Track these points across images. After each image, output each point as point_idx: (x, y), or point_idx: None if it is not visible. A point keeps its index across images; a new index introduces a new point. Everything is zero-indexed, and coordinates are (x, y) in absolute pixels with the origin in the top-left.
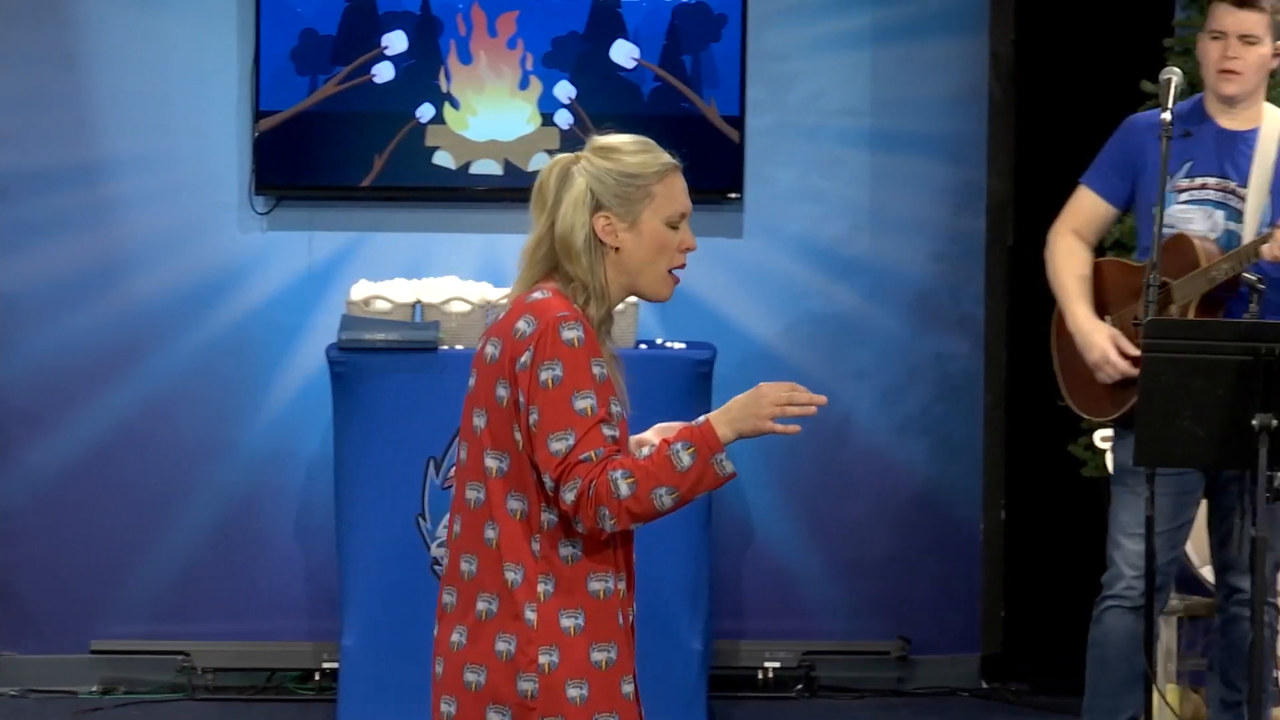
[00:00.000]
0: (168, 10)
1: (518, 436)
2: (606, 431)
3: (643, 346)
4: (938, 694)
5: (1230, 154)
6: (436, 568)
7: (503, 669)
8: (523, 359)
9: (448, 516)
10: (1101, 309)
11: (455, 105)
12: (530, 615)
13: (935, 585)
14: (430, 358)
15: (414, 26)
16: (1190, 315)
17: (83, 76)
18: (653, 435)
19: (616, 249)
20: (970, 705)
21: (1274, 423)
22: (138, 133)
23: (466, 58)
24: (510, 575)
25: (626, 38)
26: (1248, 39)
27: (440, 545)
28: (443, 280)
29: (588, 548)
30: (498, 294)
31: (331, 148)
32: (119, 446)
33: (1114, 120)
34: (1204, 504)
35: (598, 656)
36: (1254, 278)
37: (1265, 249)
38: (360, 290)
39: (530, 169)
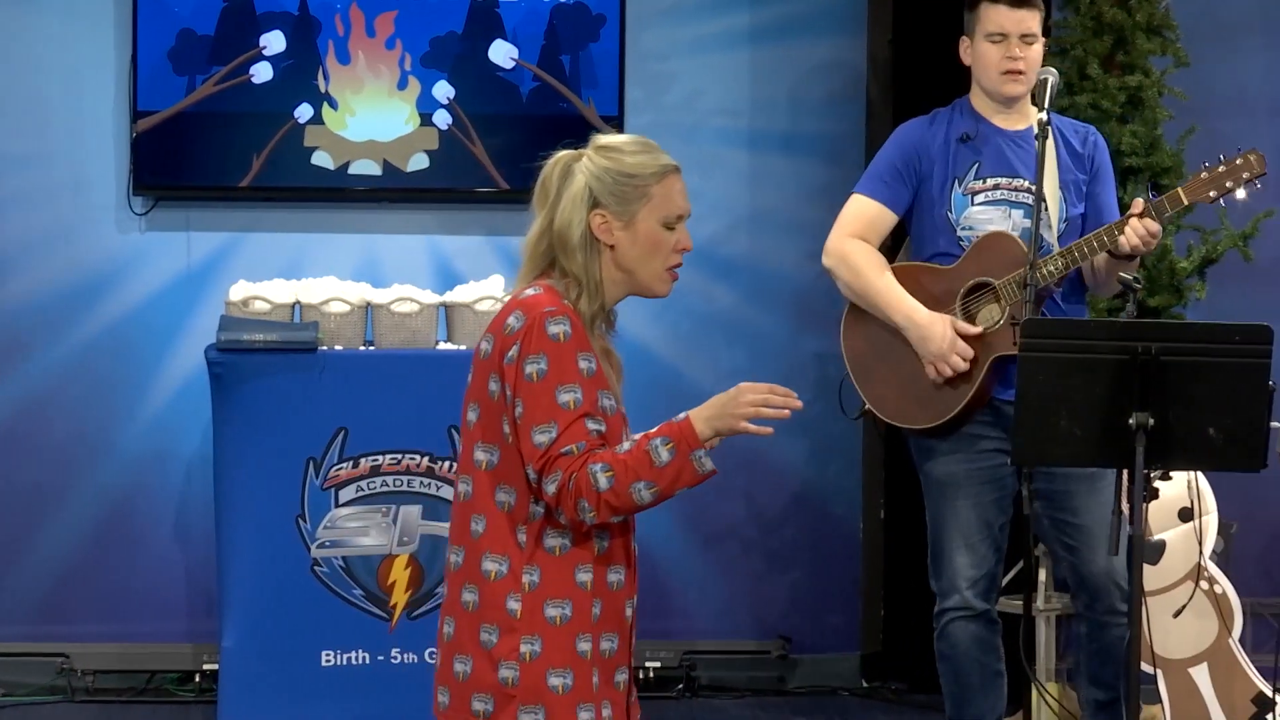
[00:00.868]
0: (44, 9)
1: (507, 430)
2: (590, 425)
3: None
4: (817, 693)
5: (1016, 153)
6: (317, 568)
7: (485, 658)
8: (510, 353)
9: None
10: None
11: (334, 105)
12: (514, 605)
13: (815, 585)
14: (309, 358)
15: (292, 27)
16: (1021, 315)
17: None
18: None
19: (612, 247)
20: (850, 704)
21: (1150, 421)
22: (14, 133)
23: (345, 58)
24: (493, 567)
25: (505, 38)
26: (1027, 38)
27: (321, 547)
28: (322, 281)
29: (577, 539)
30: (377, 294)
31: (210, 148)
32: None
33: None
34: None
35: (583, 646)
36: (1131, 277)
37: (1125, 233)
38: (239, 291)
39: (409, 169)
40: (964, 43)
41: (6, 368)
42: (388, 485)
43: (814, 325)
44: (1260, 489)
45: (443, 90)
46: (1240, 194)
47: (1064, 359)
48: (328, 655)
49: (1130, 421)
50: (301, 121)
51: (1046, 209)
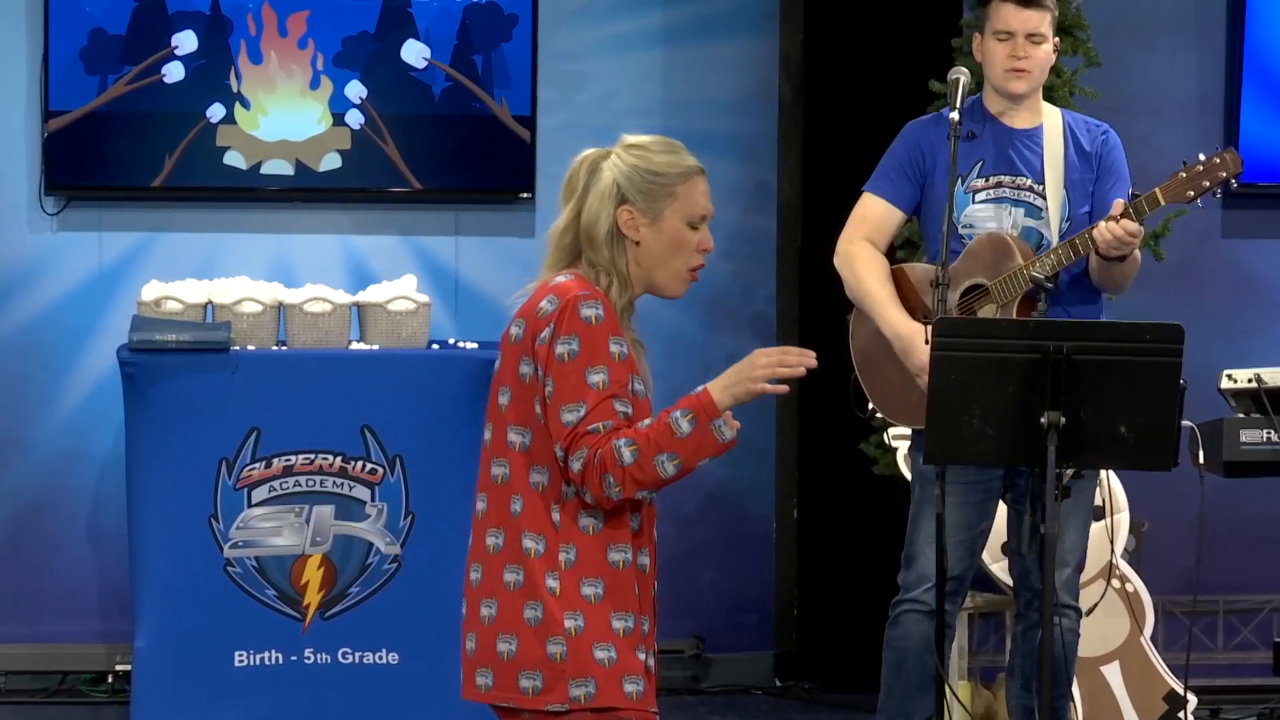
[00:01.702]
0: None
1: (539, 411)
2: (619, 406)
3: (435, 346)
4: (731, 692)
5: (1020, 152)
6: (230, 569)
7: (532, 635)
8: (543, 334)
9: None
10: (909, 314)
11: (246, 105)
12: (552, 583)
13: (729, 584)
14: (221, 358)
15: (204, 26)
16: (1014, 315)
17: None
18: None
19: (637, 242)
20: (763, 703)
21: (1062, 420)
22: None
23: (257, 58)
24: (532, 545)
25: (417, 38)
26: (1034, 37)
27: (234, 547)
28: (234, 280)
29: (608, 519)
30: (289, 294)
31: (122, 148)
32: None
33: (902, 119)
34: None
35: (618, 625)
36: (1042, 276)
37: (1098, 232)
38: (151, 291)
39: (321, 169)
40: (975, 39)
41: None
42: (300, 485)
43: (727, 324)
44: (1172, 487)
45: (355, 90)
46: (1216, 194)
47: (976, 358)
48: (241, 656)
49: (1042, 420)
50: (214, 121)
51: (1047, 207)
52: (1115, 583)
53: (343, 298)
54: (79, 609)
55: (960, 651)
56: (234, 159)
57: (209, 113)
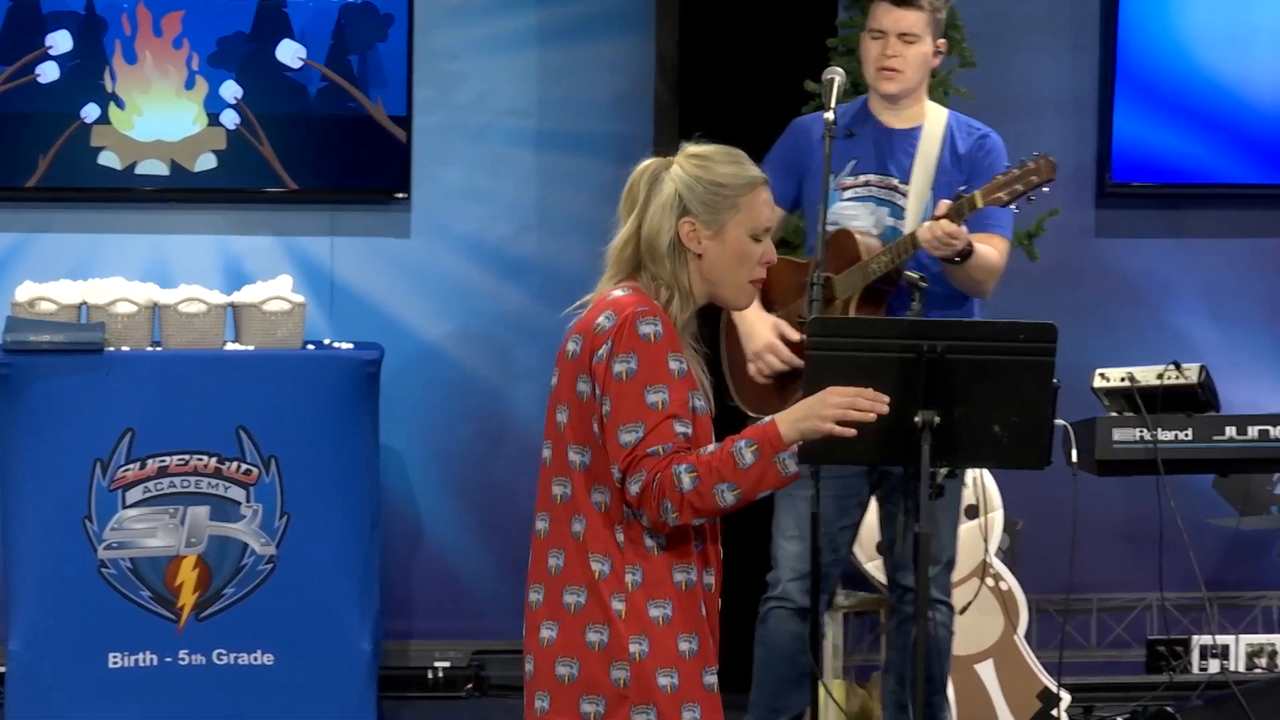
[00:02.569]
0: None
1: (597, 429)
2: (678, 428)
3: (310, 347)
4: None
5: (893, 152)
6: (104, 570)
7: (595, 659)
8: (600, 352)
9: (541, 514)
10: (768, 306)
11: (121, 105)
12: (618, 605)
13: None
14: (96, 359)
15: (78, 26)
16: (852, 311)
17: None
18: None
19: (699, 255)
20: None
21: (936, 419)
22: None
23: (132, 57)
24: (597, 566)
25: (293, 37)
26: (907, 37)
27: (108, 548)
28: (109, 281)
29: (671, 539)
30: (164, 295)
31: None
32: None
33: (779, 120)
34: (874, 504)
35: (684, 646)
36: (916, 275)
37: (920, 232)
38: (25, 292)
39: (196, 169)
40: (862, 39)
41: None
42: (175, 486)
43: None
44: (1045, 486)
45: (230, 90)
46: (1030, 198)
47: (850, 357)
48: (115, 657)
49: (916, 420)
50: (88, 121)
51: (907, 205)
52: (989, 581)
53: (218, 298)
54: None
55: (835, 650)
56: (109, 159)
57: (83, 113)
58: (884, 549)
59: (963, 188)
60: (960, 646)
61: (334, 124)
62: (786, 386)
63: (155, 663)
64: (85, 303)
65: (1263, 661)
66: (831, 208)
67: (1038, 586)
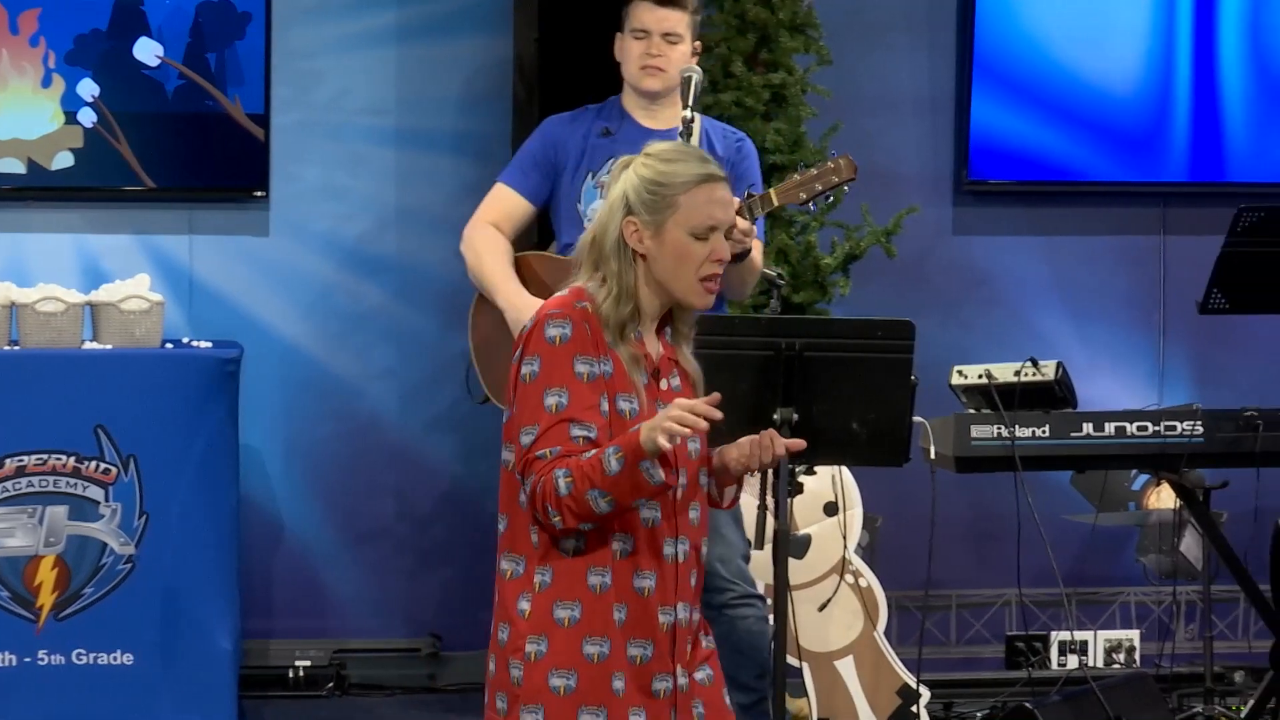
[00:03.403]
0: None
1: None
2: (575, 431)
3: (169, 346)
4: (468, 690)
5: None
6: None
7: (500, 656)
8: (516, 354)
9: None
10: None
11: None
12: (524, 605)
13: (465, 582)
14: None
15: None
16: None
17: None
18: (733, 449)
19: (644, 255)
20: None
21: (794, 417)
22: None
23: None
24: (509, 566)
25: (150, 35)
26: (670, 37)
27: None
28: None
29: (590, 541)
30: (21, 294)
31: None
32: None
33: None
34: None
35: (591, 650)
36: (774, 273)
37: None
38: None
39: (54, 168)
40: (617, 39)
41: None
42: (34, 486)
43: (463, 323)
44: (904, 483)
45: (87, 88)
46: (829, 198)
47: (708, 355)
48: None
49: (775, 417)
50: None
51: None
52: (849, 578)
53: (75, 297)
54: None
55: None
56: None
57: None
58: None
59: (751, 185)
60: (820, 643)
61: (192, 122)
62: None
63: (14, 663)
64: None
65: (1120, 657)
66: (592, 204)
67: (897, 583)
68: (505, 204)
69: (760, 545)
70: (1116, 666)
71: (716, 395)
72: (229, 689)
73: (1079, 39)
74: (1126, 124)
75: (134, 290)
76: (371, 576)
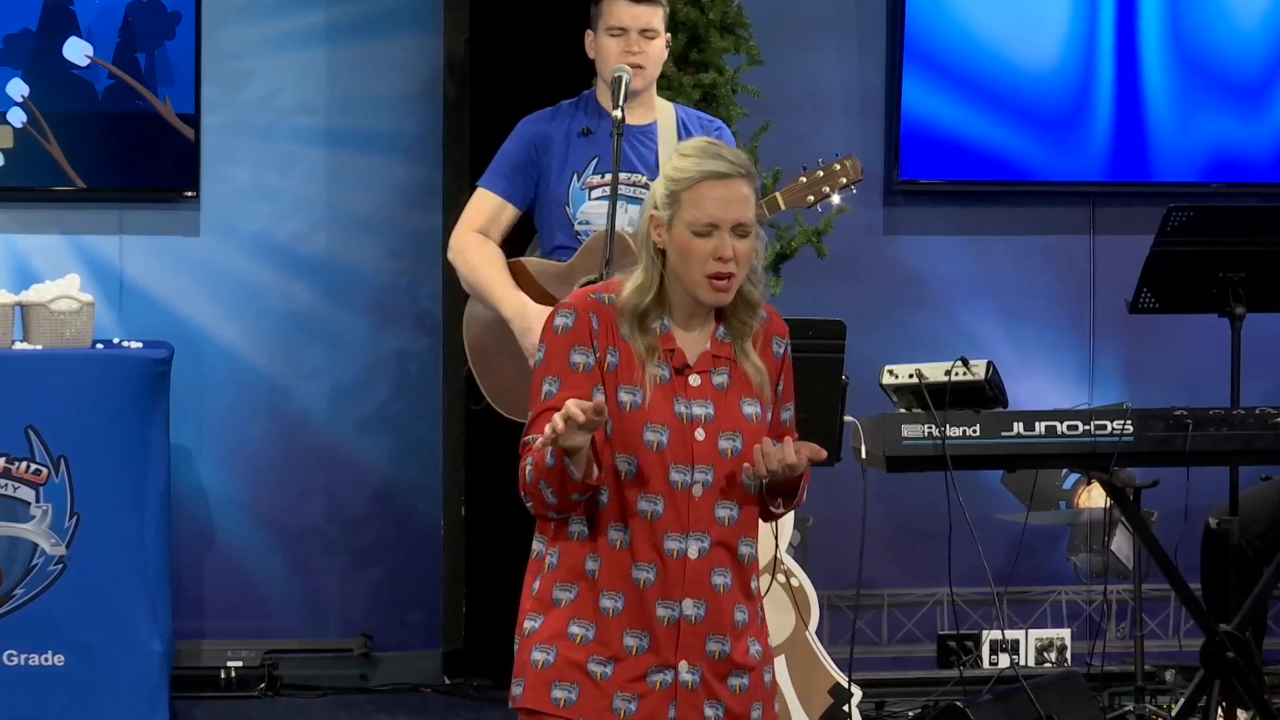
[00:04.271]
0: None
1: None
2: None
3: (99, 346)
4: (400, 690)
5: (635, 148)
6: None
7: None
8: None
9: None
10: None
11: None
12: (535, 584)
13: (397, 582)
14: None
15: None
16: None
17: None
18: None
19: (663, 250)
20: (433, 701)
21: None
22: None
23: None
24: (537, 546)
25: (80, 35)
26: (648, 33)
27: None
28: None
29: (593, 528)
30: None
31: None
32: None
33: None
34: None
35: (575, 630)
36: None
37: None
38: None
39: None
40: (589, 37)
41: None
42: None
43: (394, 323)
44: (835, 482)
45: (17, 88)
46: (835, 199)
47: None
48: None
49: None
50: None
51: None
52: (780, 577)
53: (5, 297)
54: None
55: None
56: None
57: None
58: None
59: None
60: None
61: (122, 122)
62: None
63: None
64: None
65: (1052, 655)
66: (580, 207)
67: (829, 582)
68: (490, 209)
69: None
70: (1048, 665)
71: (600, 400)
72: (160, 690)
73: (1009, 29)
74: (1053, 113)
75: (64, 290)
76: (303, 577)
